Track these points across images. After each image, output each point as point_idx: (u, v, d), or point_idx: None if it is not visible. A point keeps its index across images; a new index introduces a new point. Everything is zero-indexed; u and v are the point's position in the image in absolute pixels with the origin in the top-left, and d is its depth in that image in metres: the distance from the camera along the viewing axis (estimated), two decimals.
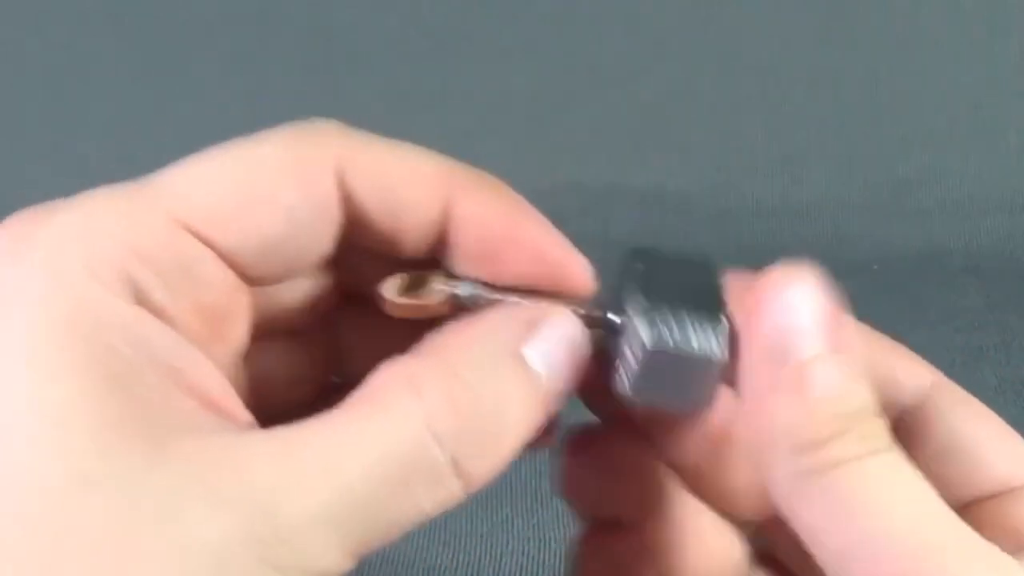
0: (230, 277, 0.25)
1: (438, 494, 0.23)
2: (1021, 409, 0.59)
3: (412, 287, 0.27)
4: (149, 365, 0.22)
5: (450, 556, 0.50)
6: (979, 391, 0.67)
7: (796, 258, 0.24)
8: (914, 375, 0.28)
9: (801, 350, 0.23)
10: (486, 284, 0.27)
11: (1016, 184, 0.79)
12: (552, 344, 0.25)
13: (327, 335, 0.30)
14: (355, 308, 0.29)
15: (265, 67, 0.84)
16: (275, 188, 0.25)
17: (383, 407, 0.23)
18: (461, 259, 0.27)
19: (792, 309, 0.23)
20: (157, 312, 0.23)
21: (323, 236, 0.26)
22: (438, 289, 0.27)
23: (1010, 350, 0.65)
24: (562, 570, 0.49)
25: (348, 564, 0.22)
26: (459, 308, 0.27)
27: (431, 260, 0.28)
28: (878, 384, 0.24)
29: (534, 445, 0.26)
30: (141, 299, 0.23)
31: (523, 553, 0.50)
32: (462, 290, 0.27)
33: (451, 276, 0.27)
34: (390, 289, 0.27)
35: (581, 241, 0.28)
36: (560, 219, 0.27)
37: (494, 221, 0.26)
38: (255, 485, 0.21)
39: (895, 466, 0.23)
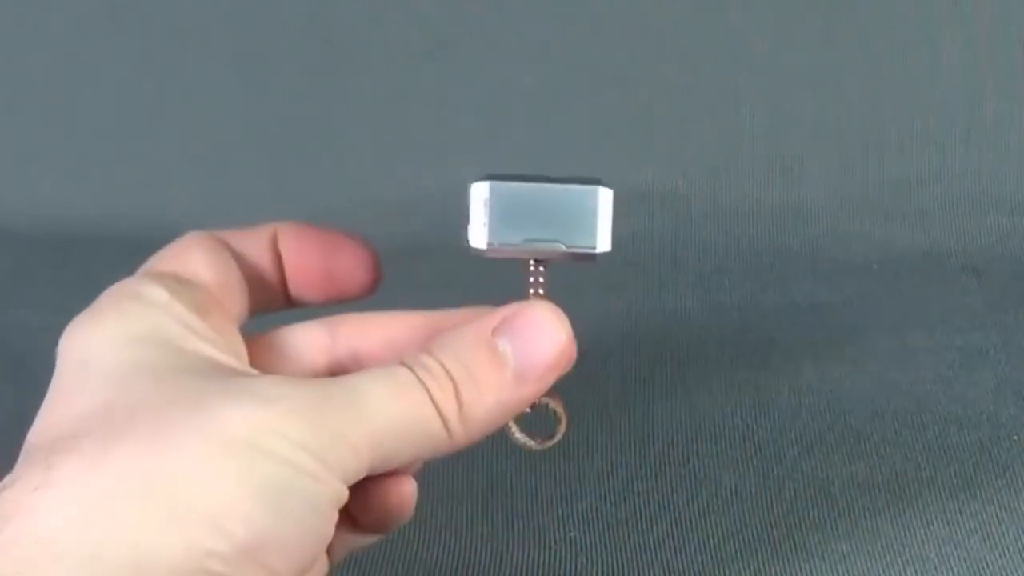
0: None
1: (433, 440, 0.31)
2: (1021, 409, 0.59)
3: None
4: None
5: (450, 556, 0.50)
6: (979, 391, 0.67)
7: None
8: None
9: None
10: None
11: (1016, 184, 0.79)
12: (518, 333, 0.32)
13: None
14: None
15: (265, 67, 0.84)
16: None
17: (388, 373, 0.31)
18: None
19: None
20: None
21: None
22: None
23: (1010, 350, 0.65)
24: (562, 570, 0.49)
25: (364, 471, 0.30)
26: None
27: None
28: None
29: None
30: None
31: (523, 553, 0.50)
32: None
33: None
34: None
35: None
36: None
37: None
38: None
39: None
